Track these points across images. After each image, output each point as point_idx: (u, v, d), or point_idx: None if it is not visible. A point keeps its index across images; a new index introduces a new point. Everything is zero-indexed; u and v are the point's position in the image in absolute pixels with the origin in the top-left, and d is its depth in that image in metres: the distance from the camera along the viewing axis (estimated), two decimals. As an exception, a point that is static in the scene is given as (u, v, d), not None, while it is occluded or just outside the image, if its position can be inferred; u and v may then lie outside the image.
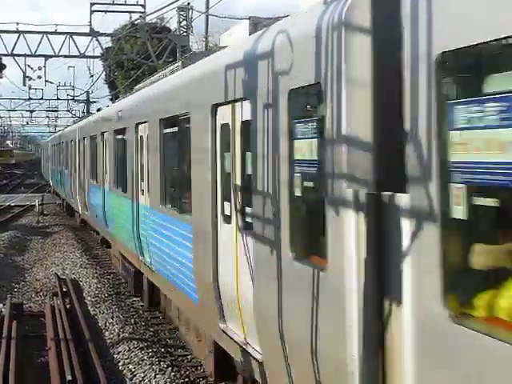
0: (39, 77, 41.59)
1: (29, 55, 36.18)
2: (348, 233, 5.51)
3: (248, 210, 8.18)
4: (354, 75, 5.43)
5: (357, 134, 5.37)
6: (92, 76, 45.73)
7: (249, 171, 8.06)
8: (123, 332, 14.20)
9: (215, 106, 9.14)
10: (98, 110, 38.12)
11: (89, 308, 16.69)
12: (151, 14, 30.85)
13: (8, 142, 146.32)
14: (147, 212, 13.98)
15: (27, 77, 39.47)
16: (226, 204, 8.98)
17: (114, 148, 18.76)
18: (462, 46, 4.28)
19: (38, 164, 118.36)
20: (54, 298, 17.32)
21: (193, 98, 10.36)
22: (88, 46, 35.72)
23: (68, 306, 16.37)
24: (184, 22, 35.81)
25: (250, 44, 8.22)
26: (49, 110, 79.71)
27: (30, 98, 62.30)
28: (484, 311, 4.33)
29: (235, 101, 8.39)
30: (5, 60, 33.50)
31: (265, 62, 7.31)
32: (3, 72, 32.52)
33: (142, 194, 14.65)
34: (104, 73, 53.43)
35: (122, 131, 17.20)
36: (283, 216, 6.82)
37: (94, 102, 62.57)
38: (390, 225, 5.01)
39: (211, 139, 9.30)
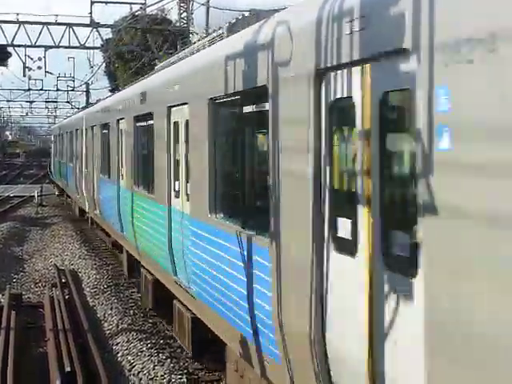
0: (39, 67, 41.60)
1: (29, 46, 36.13)
2: None
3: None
4: None
5: None
6: (92, 67, 45.64)
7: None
8: (122, 323, 14.21)
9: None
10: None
11: (88, 299, 16.70)
12: (152, 5, 30.83)
13: (7, 132, 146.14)
14: None
15: (27, 67, 39.44)
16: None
17: None
18: None
19: (38, 154, 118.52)
20: (53, 288, 17.33)
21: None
22: (88, 37, 35.73)
23: (67, 297, 16.38)
24: (184, 14, 35.77)
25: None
26: (48, 101, 79.62)
27: (29, 89, 62.17)
28: None
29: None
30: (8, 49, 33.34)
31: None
32: (8, 61, 32.21)
33: None
34: (104, 64, 53.35)
35: None
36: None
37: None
38: None
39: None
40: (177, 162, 11.43)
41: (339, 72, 5.69)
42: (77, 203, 32.04)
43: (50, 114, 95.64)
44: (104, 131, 20.44)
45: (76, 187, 29.83)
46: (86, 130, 25.64)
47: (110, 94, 34.26)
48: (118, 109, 17.54)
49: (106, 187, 19.84)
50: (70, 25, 35.26)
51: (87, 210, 26.34)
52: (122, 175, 17.00)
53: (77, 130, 29.74)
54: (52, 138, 57.45)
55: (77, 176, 29.44)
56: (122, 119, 16.91)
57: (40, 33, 34.94)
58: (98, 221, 23.15)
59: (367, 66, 5.28)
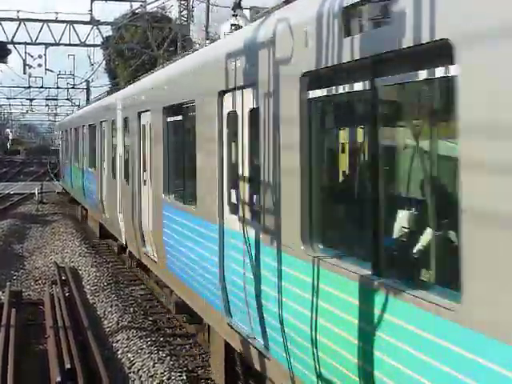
0: (39, 65, 41.61)
1: (29, 43, 36.19)
2: None
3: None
4: None
5: None
6: (92, 65, 45.67)
7: None
8: (122, 321, 14.21)
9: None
10: None
11: (88, 296, 16.71)
12: (152, 3, 30.81)
13: (7, 130, 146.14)
14: None
15: (27, 65, 39.47)
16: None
17: None
18: None
19: (39, 152, 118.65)
20: (53, 286, 17.33)
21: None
22: (88, 34, 35.73)
23: (67, 295, 16.39)
24: (185, 12, 35.77)
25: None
26: (49, 99, 79.71)
27: (29, 87, 62.26)
28: None
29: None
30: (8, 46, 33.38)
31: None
32: (8, 58, 32.19)
33: None
34: (104, 61, 53.37)
35: None
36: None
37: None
38: None
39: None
40: None
41: None
42: (94, 217, 25.18)
43: (50, 111, 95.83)
44: (174, 119, 12.24)
45: (101, 203, 21.43)
46: (123, 120, 17.26)
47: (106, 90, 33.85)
48: (230, 69, 8.68)
49: (181, 222, 11.22)
50: (70, 22, 35.33)
51: (125, 243, 17.70)
52: (240, 210, 8.49)
53: (102, 122, 21.38)
54: (60, 135, 46.17)
55: (103, 188, 21.25)
56: (232, 90, 8.68)
57: (40, 30, 35.00)
58: (157, 271, 14.15)
59: None
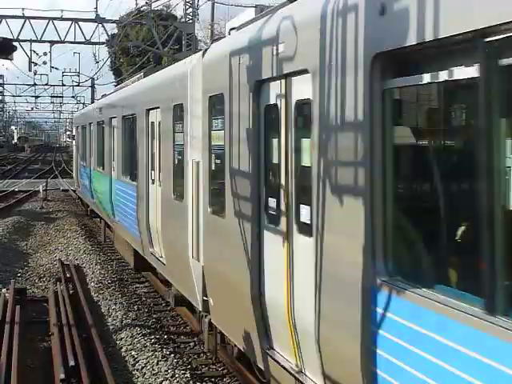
0: (44, 62, 41.68)
1: (34, 41, 36.24)
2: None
3: None
4: None
5: None
6: (97, 62, 45.70)
7: None
8: (126, 318, 14.22)
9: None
10: None
11: (92, 294, 16.72)
12: (157, 0, 30.83)
13: (13, 127, 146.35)
14: None
15: (32, 62, 39.53)
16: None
17: None
18: None
19: (44, 149, 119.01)
20: (58, 283, 17.34)
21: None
22: (94, 32, 35.77)
23: (71, 292, 16.40)
24: (190, 10, 35.76)
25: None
26: (54, 96, 79.85)
27: (34, 84, 62.31)
28: None
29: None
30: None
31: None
32: (13, 55, 32.20)
33: None
34: (109, 59, 53.42)
35: None
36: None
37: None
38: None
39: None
40: None
41: None
42: (127, 241, 18.58)
43: (55, 109, 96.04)
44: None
45: (147, 231, 14.74)
46: (209, 102, 9.92)
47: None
48: None
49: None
50: (75, 20, 35.39)
51: (201, 307, 10.72)
52: None
53: (150, 110, 14.43)
54: (74, 131, 37.65)
55: (149, 209, 14.55)
56: None
57: (45, 28, 35.04)
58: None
59: None
